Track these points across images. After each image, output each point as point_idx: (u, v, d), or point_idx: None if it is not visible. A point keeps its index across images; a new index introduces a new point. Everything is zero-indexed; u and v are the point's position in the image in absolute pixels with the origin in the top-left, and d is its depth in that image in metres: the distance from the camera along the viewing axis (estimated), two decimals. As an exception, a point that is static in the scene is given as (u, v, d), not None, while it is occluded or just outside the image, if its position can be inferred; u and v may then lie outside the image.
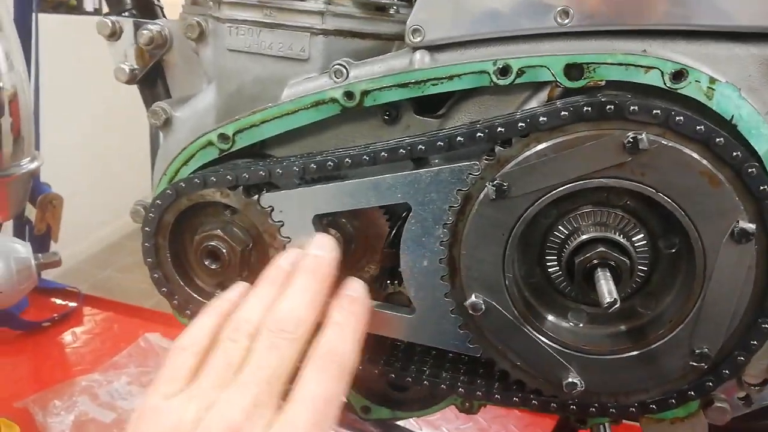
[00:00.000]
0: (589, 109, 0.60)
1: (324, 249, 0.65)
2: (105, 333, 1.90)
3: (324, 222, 0.76)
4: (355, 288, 0.64)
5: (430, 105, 0.74)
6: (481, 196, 0.64)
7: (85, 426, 1.52)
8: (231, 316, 0.60)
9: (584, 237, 0.65)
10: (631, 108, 0.59)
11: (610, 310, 0.59)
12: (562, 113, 0.60)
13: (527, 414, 1.50)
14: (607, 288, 0.60)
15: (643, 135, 0.58)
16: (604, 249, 0.63)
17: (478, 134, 0.63)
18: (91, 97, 3.61)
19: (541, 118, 0.61)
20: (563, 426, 1.12)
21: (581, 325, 0.70)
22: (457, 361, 0.77)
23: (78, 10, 3.91)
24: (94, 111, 3.77)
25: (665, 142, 0.59)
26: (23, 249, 1.31)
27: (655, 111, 0.58)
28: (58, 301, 2.03)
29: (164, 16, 1.03)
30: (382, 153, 0.67)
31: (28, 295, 1.84)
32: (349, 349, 0.58)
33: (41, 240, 1.86)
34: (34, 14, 1.90)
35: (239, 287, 0.66)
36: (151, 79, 0.97)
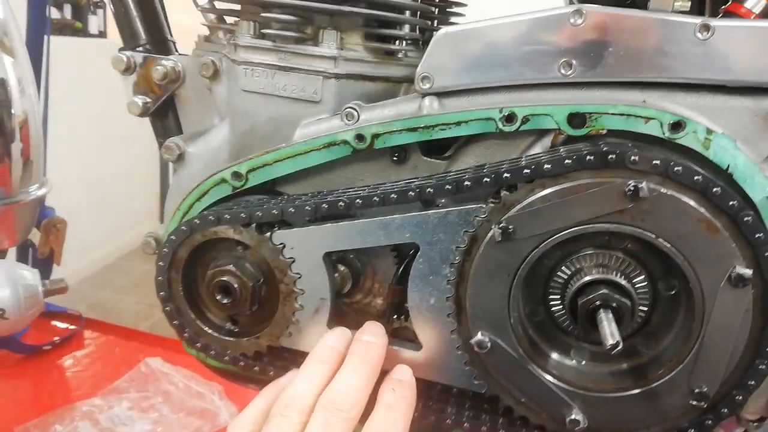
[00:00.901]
0: (592, 158, 0.63)
1: (376, 336, 0.70)
2: (106, 357, 1.91)
3: (333, 258, 0.79)
4: (404, 372, 0.69)
5: (437, 146, 0.77)
6: (488, 237, 0.67)
7: (86, 452, 1.52)
8: (282, 394, 0.65)
9: (587, 279, 0.67)
10: (632, 158, 0.61)
11: (613, 353, 0.61)
12: (566, 161, 0.63)
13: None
14: (609, 330, 0.62)
15: (644, 184, 0.61)
16: (606, 291, 0.66)
17: (485, 179, 0.66)
18: (90, 120, 3.64)
19: (546, 166, 0.64)
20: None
21: (584, 362, 0.72)
22: (462, 395, 0.79)
23: (83, 33, 3.96)
24: (93, 132, 3.80)
25: (664, 191, 0.62)
26: (31, 275, 1.32)
27: (654, 161, 0.61)
28: (60, 325, 2.04)
29: (177, 51, 1.07)
30: (392, 195, 0.69)
31: (29, 318, 1.85)
32: (399, 430, 0.62)
33: (44, 263, 1.87)
34: (46, 37, 1.92)
35: (289, 374, 0.72)
36: (163, 113, 1.00)
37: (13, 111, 1.40)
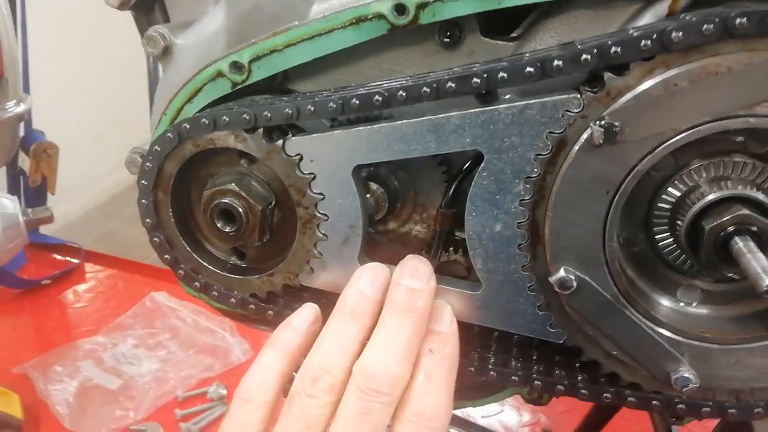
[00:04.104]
0: (744, 20, 0.43)
1: (420, 279, 0.53)
2: (109, 292, 1.78)
3: (365, 174, 0.61)
4: (444, 320, 0.54)
5: (502, 23, 0.58)
6: (582, 140, 0.49)
7: (90, 393, 1.41)
8: (305, 361, 0.51)
9: (713, 196, 0.50)
10: (810, 17, 0.42)
11: (768, 296, 0.44)
12: (705, 27, 0.44)
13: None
14: (760, 266, 0.45)
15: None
16: (746, 211, 0.48)
17: (584, 56, 0.47)
18: (88, 42, 3.41)
19: (675, 34, 0.44)
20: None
21: (696, 305, 0.55)
22: (528, 346, 0.63)
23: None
24: (91, 58, 3.57)
25: None
26: (10, 204, 1.16)
27: None
28: (59, 257, 1.91)
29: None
30: (449, 84, 0.51)
31: (25, 251, 1.72)
32: (443, 407, 0.50)
33: (37, 192, 1.73)
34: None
35: (307, 311, 0.57)
36: (148, 4, 0.80)
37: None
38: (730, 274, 0.51)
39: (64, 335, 1.59)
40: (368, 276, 0.55)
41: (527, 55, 0.52)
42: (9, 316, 1.66)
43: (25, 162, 1.72)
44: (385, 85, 0.54)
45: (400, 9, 0.54)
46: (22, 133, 1.53)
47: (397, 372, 0.49)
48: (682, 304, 0.56)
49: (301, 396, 0.49)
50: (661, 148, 0.48)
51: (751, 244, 0.47)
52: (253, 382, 0.53)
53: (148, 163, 0.61)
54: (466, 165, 0.59)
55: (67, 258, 1.90)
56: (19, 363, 1.45)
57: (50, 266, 1.85)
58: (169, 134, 0.59)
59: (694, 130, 0.47)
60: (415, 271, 0.54)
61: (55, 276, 1.80)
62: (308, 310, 0.57)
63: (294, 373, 0.53)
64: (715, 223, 0.49)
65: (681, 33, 0.45)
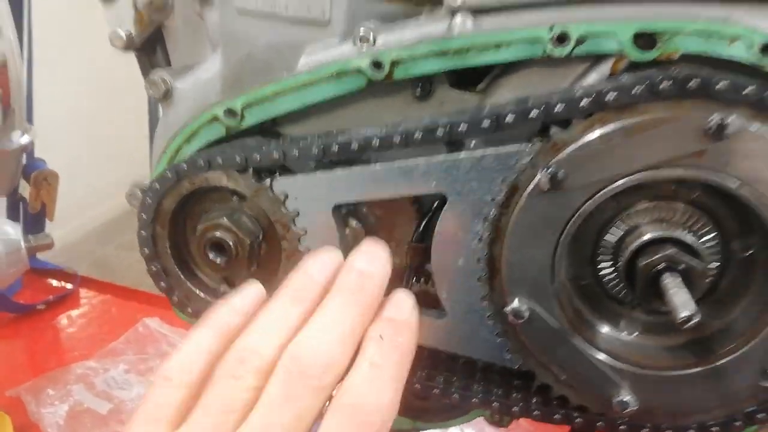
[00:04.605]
0: (669, 84, 0.50)
1: (374, 263, 0.49)
2: (102, 317, 1.82)
3: (344, 211, 0.67)
4: (403, 307, 0.48)
5: (467, 78, 0.65)
6: (531, 186, 0.55)
7: (80, 417, 1.45)
8: (235, 341, 0.45)
9: (649, 236, 0.56)
10: (719, 84, 0.49)
11: (687, 326, 0.50)
12: (635, 89, 0.51)
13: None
14: (681, 299, 0.51)
15: (732, 118, 0.49)
16: (674, 251, 0.54)
17: (532, 112, 0.54)
18: (86, 69, 3.50)
19: (609, 95, 0.51)
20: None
21: (636, 335, 0.62)
22: (489, 371, 0.68)
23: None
24: (90, 83, 3.65)
25: (757, 127, 0.50)
26: (12, 230, 1.22)
27: (748, 88, 0.49)
28: (54, 283, 1.95)
29: (165, -22, 0.94)
30: (416, 134, 0.58)
31: (22, 276, 1.76)
32: (386, 403, 0.43)
33: (36, 219, 1.78)
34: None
35: (251, 292, 0.51)
36: (150, 47, 0.87)
37: (-11, 54, 1.30)
38: (662, 308, 0.57)
39: (57, 359, 1.63)
40: (318, 259, 0.50)
41: (486, 109, 0.59)
42: (4, 340, 1.70)
43: (25, 189, 1.78)
44: (362, 133, 0.61)
45: (376, 65, 0.61)
46: (24, 161, 1.59)
47: (331, 355, 0.43)
48: (623, 333, 0.62)
49: (225, 377, 0.44)
50: (600, 194, 0.54)
51: (678, 280, 0.54)
52: (177, 361, 0.46)
53: (148, 199, 0.67)
54: (435, 204, 0.65)
55: (63, 283, 1.94)
56: (13, 386, 1.49)
57: (45, 291, 1.89)
58: (168, 173, 0.65)
59: (627, 178, 0.53)
60: (370, 254, 0.50)
61: (50, 301, 1.84)
62: (252, 290, 0.52)
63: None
64: (647, 261, 0.55)
65: (615, 94, 0.52)
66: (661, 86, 0.51)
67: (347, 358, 0.44)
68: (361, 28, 0.62)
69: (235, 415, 0.42)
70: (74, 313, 1.84)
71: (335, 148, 0.61)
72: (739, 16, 0.54)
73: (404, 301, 0.48)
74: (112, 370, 1.59)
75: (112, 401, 1.50)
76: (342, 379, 0.44)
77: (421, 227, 0.66)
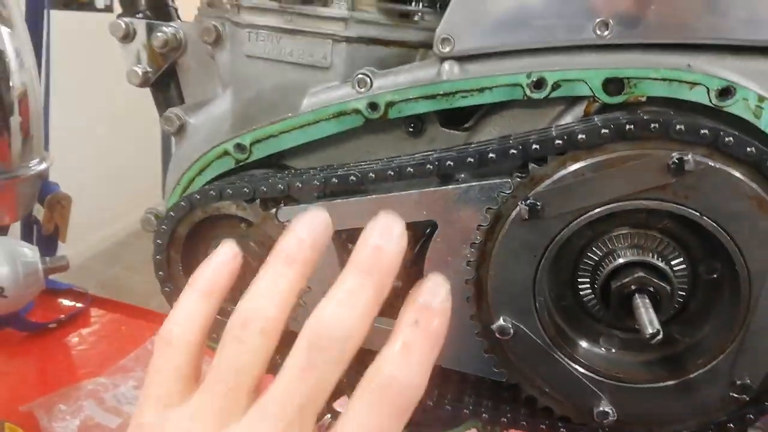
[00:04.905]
0: (632, 127, 0.56)
1: (389, 237, 0.48)
2: (112, 335, 1.87)
3: (343, 237, 0.73)
4: (438, 292, 0.47)
5: (456, 117, 0.71)
6: (513, 215, 0.61)
7: (91, 431, 1.50)
8: (237, 304, 0.46)
9: (621, 261, 0.62)
10: (677, 127, 0.55)
11: (652, 342, 0.55)
12: (603, 131, 0.57)
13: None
14: (648, 318, 0.56)
15: (689, 156, 0.55)
16: (642, 274, 0.60)
17: (512, 150, 0.60)
18: (97, 94, 3.60)
19: (580, 136, 0.57)
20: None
21: (614, 351, 0.67)
22: (480, 384, 0.74)
23: (89, 6, 3.88)
24: (101, 107, 3.75)
25: (712, 164, 0.55)
26: (30, 252, 1.28)
27: (703, 131, 0.55)
28: (66, 302, 2.01)
29: (179, 18, 1.01)
30: (409, 168, 0.64)
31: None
32: (416, 384, 0.43)
33: (49, 240, 1.84)
34: (45, 11, 1.87)
35: (226, 250, 0.51)
36: (165, 83, 0.94)
37: (11, 83, 1.36)
38: (634, 325, 0.62)
39: (69, 376, 1.68)
40: (306, 221, 0.49)
41: (472, 146, 0.65)
42: (18, 358, 1.75)
43: (39, 211, 1.84)
44: (360, 167, 0.67)
45: (373, 106, 0.67)
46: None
47: (350, 328, 0.44)
48: (602, 349, 0.67)
49: (231, 342, 0.44)
50: (575, 222, 0.60)
51: (647, 300, 0.59)
52: (174, 324, 0.48)
53: (163, 226, 0.73)
54: (427, 230, 0.71)
55: (74, 303, 2.00)
56: (26, 402, 1.53)
57: (57, 310, 1.95)
58: (182, 203, 0.71)
59: (599, 209, 0.59)
60: (386, 228, 0.50)
61: (62, 320, 1.90)
62: (226, 248, 0.52)
63: (218, 317, 0.50)
64: (620, 283, 0.61)
65: (585, 135, 0.58)
66: (626, 128, 0.56)
67: (362, 333, 0.44)
68: (359, 73, 0.68)
69: (246, 378, 0.44)
70: (85, 331, 1.89)
71: (335, 180, 0.67)
72: (698, 64, 0.60)
73: (440, 286, 0.48)
74: (121, 386, 1.64)
75: (121, 416, 1.55)
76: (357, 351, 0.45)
77: (415, 251, 0.72)
